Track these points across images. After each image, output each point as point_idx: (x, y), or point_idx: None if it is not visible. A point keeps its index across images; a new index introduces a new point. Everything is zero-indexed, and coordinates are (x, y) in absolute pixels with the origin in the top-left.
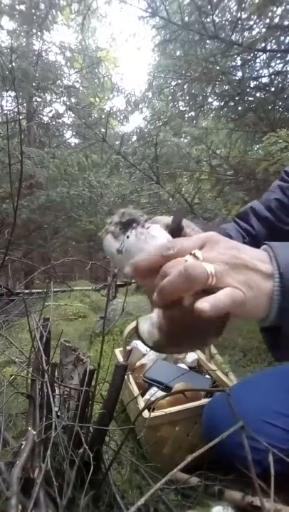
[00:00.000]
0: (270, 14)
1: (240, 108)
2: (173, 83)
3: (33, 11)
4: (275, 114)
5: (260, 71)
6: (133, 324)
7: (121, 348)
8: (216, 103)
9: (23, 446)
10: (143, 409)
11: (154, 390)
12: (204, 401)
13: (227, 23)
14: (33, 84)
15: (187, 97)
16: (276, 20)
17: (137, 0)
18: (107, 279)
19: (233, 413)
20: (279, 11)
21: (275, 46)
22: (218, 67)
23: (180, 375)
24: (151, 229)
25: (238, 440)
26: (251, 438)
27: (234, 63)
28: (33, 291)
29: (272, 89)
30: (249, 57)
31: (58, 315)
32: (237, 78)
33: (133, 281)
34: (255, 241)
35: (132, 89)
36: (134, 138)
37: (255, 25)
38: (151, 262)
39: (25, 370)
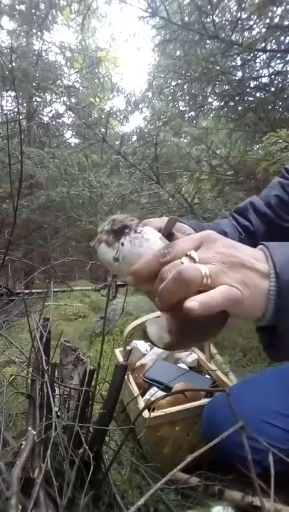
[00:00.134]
0: (270, 14)
1: (240, 108)
2: (173, 83)
3: (33, 11)
4: (275, 114)
5: (260, 71)
6: (133, 324)
7: (121, 348)
8: (216, 103)
9: (23, 446)
10: (143, 409)
11: (154, 390)
12: (204, 401)
13: (227, 23)
14: (33, 84)
15: (187, 97)
16: (276, 20)
17: (137, 0)
18: (107, 279)
19: (233, 413)
20: (279, 11)
21: (275, 46)
22: (218, 67)
23: (180, 375)
24: (144, 232)
25: (238, 440)
26: (251, 438)
27: (234, 63)
28: (33, 291)
29: (272, 89)
30: (249, 57)
31: (58, 315)
32: (237, 78)
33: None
34: (253, 237)
35: (132, 89)
36: (134, 138)
37: (255, 25)
38: (149, 268)
39: (25, 370)
